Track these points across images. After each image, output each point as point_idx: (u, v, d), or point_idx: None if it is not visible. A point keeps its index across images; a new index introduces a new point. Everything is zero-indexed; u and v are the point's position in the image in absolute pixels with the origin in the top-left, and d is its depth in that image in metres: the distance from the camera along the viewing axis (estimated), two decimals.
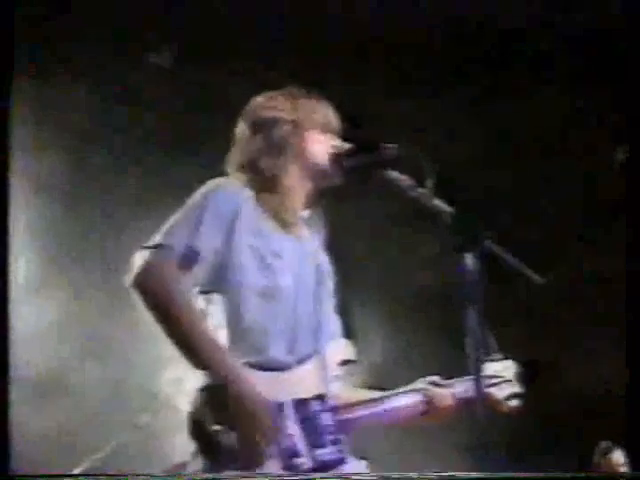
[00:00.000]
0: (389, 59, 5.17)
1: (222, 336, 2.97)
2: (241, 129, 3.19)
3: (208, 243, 2.94)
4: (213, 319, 3.00)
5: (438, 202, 2.92)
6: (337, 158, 3.13)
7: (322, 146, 3.15)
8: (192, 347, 2.85)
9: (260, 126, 3.15)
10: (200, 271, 2.95)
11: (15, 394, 4.18)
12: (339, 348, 3.12)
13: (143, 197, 5.12)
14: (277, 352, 2.96)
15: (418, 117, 5.06)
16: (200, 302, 3.02)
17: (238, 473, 2.81)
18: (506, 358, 3.30)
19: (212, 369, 2.85)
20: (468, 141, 5.18)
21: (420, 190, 2.96)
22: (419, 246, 4.97)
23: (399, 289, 5.12)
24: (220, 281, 2.98)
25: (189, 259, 2.92)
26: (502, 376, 3.27)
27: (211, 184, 3.06)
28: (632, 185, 4.82)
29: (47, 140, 5.17)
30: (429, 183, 2.93)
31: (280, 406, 2.89)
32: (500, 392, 3.24)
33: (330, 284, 3.20)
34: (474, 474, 2.85)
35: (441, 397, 3.14)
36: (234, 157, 3.18)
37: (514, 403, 3.26)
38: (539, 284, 2.93)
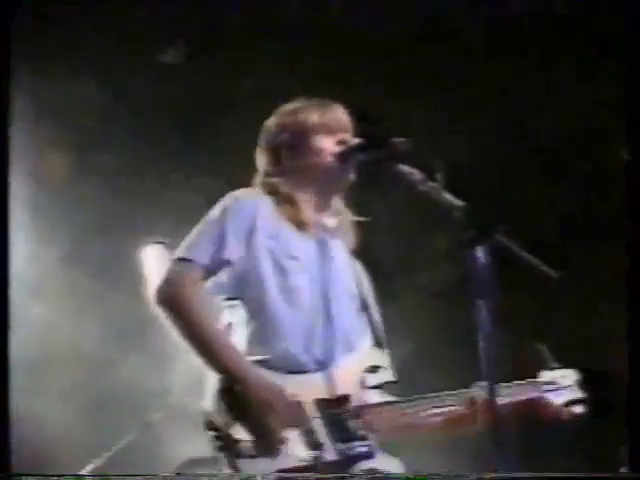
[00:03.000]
0: (398, 57, 5.17)
1: (244, 338, 3.02)
2: (258, 150, 3.29)
3: (235, 253, 3.01)
4: (236, 323, 3.05)
5: (449, 196, 2.92)
6: (347, 154, 3.14)
7: (328, 148, 3.16)
8: (213, 357, 2.91)
9: (267, 141, 3.24)
10: (225, 280, 3.03)
11: (16, 392, 4.17)
12: (367, 353, 3.12)
13: (147, 194, 5.12)
14: (297, 352, 3.00)
15: (428, 113, 5.07)
16: (224, 307, 3.08)
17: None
18: (565, 367, 3.23)
19: (231, 373, 2.89)
20: (477, 136, 5.19)
21: (431, 184, 2.96)
22: (432, 241, 4.98)
23: (413, 285, 5.13)
24: (244, 287, 3.05)
25: (216, 270, 3.00)
26: (559, 383, 3.20)
27: (229, 197, 3.12)
28: (634, 184, 4.83)
29: (48, 137, 5.15)
30: (439, 177, 2.92)
31: (301, 404, 2.91)
32: (557, 398, 3.17)
33: (353, 288, 3.21)
34: (484, 474, 2.84)
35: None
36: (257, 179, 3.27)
37: (577, 409, 3.19)
38: (550, 279, 2.92)
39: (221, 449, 2.84)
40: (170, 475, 3.72)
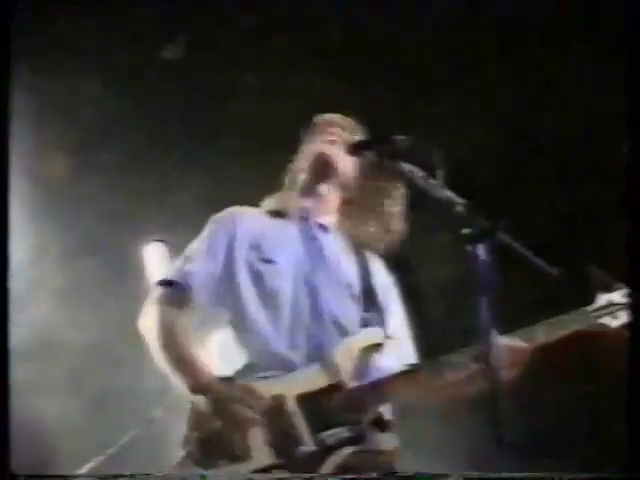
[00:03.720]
0: (398, 57, 5.19)
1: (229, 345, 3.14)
2: None
3: (215, 271, 3.18)
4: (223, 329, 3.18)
5: (449, 193, 2.92)
6: (351, 151, 3.18)
7: (319, 147, 3.36)
8: (186, 374, 3.10)
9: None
10: (209, 292, 3.18)
11: (16, 389, 4.15)
12: (365, 335, 3.15)
13: (148, 193, 5.14)
14: (282, 352, 3.07)
15: (428, 112, 5.09)
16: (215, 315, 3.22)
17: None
18: (622, 287, 3.10)
19: (199, 389, 3.05)
20: (477, 136, 5.21)
21: (431, 181, 2.96)
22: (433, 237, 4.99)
23: (414, 282, 5.12)
24: (225, 297, 3.19)
25: (181, 292, 3.17)
26: (617, 303, 3.07)
27: (210, 220, 3.30)
28: (634, 184, 4.83)
29: (49, 136, 5.16)
30: (440, 174, 2.93)
31: (280, 403, 2.96)
32: (615, 321, 3.07)
33: (351, 278, 3.28)
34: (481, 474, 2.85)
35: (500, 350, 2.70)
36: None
37: None
38: (549, 276, 2.92)
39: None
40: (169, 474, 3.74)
